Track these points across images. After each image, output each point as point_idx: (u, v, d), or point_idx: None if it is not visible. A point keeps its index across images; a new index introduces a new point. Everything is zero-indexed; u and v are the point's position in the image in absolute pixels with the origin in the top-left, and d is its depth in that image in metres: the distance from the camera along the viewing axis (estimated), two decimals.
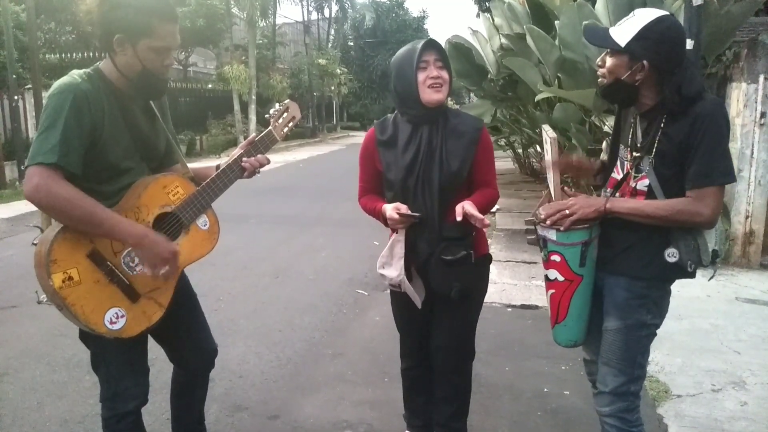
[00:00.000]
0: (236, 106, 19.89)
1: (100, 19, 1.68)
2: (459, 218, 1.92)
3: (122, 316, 1.71)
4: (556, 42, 6.11)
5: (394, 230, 2.08)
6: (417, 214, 2.00)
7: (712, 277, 1.78)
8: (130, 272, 1.74)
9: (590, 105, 5.95)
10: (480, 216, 1.91)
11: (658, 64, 1.69)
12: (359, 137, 28.42)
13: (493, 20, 8.10)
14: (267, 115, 2.09)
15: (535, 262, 5.35)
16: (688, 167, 1.70)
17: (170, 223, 1.83)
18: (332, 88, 28.99)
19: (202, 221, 1.91)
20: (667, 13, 1.73)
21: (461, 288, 2.02)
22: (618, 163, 1.92)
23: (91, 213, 1.61)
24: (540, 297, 4.51)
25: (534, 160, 10.58)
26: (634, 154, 1.83)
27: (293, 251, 6.06)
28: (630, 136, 1.87)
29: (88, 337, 1.84)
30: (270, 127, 2.04)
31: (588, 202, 1.80)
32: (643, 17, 1.70)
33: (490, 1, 8.25)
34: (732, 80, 5.34)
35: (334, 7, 37.53)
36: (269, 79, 21.82)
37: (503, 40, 7.65)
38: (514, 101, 8.79)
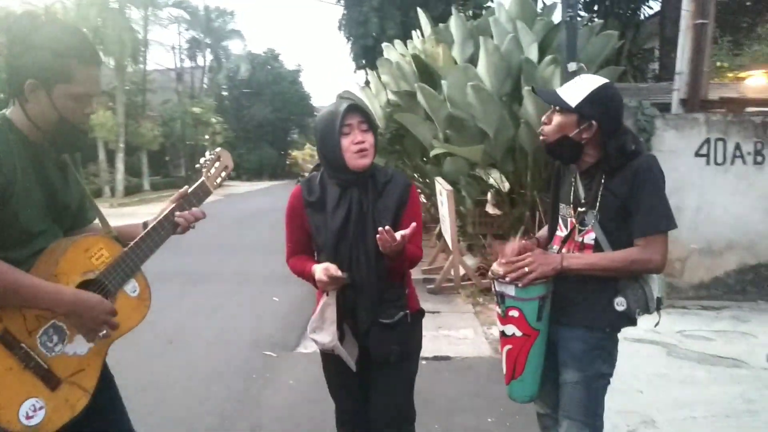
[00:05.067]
0: (101, 155, 18.57)
1: (9, 62, 1.46)
2: (385, 233, 1.80)
3: (40, 408, 1.43)
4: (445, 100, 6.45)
5: (325, 292, 1.97)
6: (346, 275, 1.91)
7: (657, 323, 1.89)
8: (48, 354, 1.47)
9: (478, 160, 6.31)
10: (404, 234, 1.81)
11: (605, 125, 1.82)
12: (235, 187, 27.77)
13: (380, 77, 8.40)
14: (198, 165, 1.91)
15: (438, 312, 5.41)
16: (632, 218, 1.81)
17: (94, 293, 1.58)
18: (207, 137, 28.20)
19: (131, 287, 1.68)
20: (609, 80, 1.88)
21: (399, 350, 1.98)
22: (560, 221, 2.01)
23: (7, 281, 1.36)
24: (449, 347, 4.56)
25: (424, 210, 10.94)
26: (578, 209, 1.92)
27: (185, 311, 5.59)
28: (572, 193, 1.97)
29: None
30: (203, 178, 1.86)
31: (546, 259, 1.85)
32: (590, 82, 1.84)
33: (378, 59, 8.56)
34: None
35: (209, 57, 36.91)
36: (138, 127, 20.72)
37: (390, 96, 7.94)
38: (401, 154, 9.10)
